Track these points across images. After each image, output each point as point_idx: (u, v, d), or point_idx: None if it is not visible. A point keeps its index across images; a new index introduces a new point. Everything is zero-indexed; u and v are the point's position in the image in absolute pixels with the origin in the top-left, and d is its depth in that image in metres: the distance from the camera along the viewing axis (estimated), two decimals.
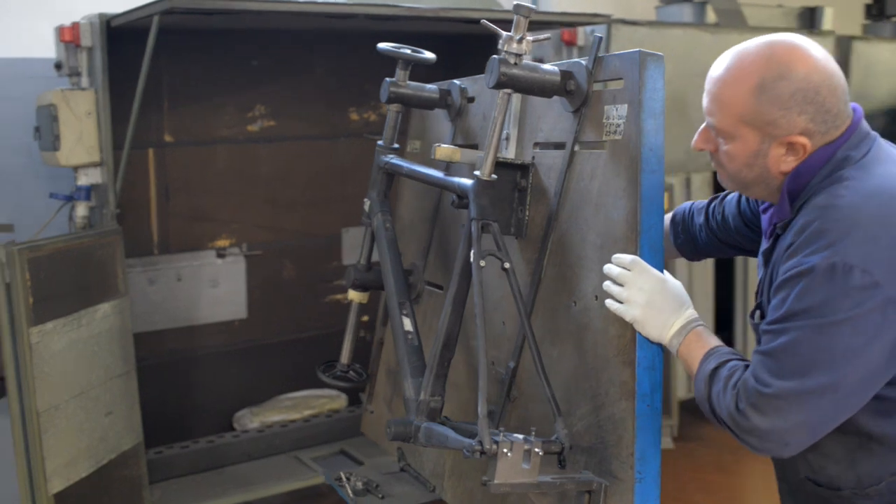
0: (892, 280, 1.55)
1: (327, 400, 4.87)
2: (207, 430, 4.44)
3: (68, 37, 3.74)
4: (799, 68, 1.68)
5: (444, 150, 2.25)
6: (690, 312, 1.83)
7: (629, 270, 1.83)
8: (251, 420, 4.67)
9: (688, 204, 2.31)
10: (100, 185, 3.88)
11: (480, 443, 1.80)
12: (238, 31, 4.31)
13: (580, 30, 4.95)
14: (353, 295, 2.77)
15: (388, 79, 2.61)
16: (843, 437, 1.71)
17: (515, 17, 1.96)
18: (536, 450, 1.82)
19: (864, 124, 1.75)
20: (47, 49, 4.41)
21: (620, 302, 1.84)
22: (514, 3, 1.98)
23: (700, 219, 2.24)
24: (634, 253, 1.85)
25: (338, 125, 4.80)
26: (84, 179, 3.87)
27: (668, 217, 2.32)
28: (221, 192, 4.51)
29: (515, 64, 1.95)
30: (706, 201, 2.22)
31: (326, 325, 4.80)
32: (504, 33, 1.96)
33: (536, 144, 2.24)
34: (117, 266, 3.72)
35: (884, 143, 1.77)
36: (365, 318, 4.00)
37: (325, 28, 4.27)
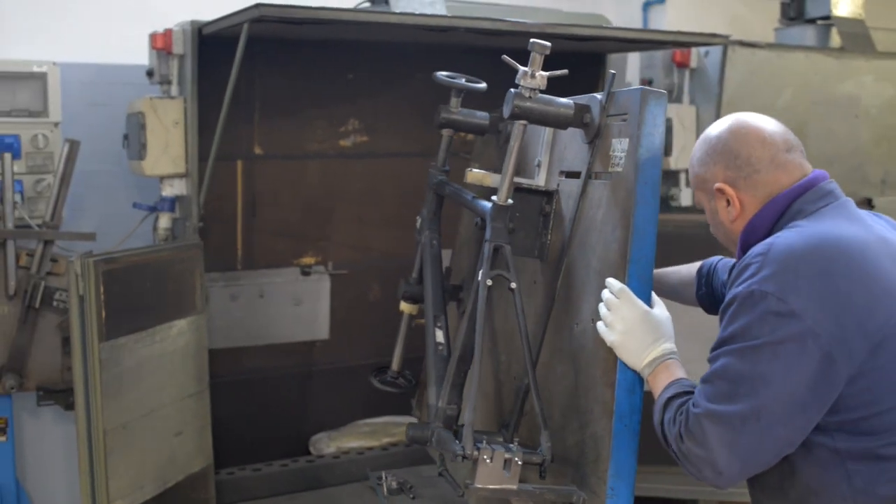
0: (810, 313, 1.63)
1: (406, 427, 4.67)
2: (282, 453, 4.29)
3: (160, 44, 3.65)
4: (712, 132, 1.96)
5: (475, 174, 2.38)
6: (667, 346, 1.93)
7: (617, 298, 1.95)
8: (328, 445, 4.51)
9: (716, 258, 2.39)
10: (184, 196, 3.78)
11: (463, 448, 1.97)
12: (334, 43, 4.16)
13: (694, 51, 4.64)
14: (404, 306, 2.98)
15: (441, 105, 2.77)
16: (787, 488, 1.77)
17: (531, 54, 2.07)
18: (517, 459, 1.96)
19: (829, 187, 1.87)
20: (141, 56, 4.38)
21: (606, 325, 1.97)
22: (531, 40, 2.08)
23: (724, 276, 2.28)
24: (623, 281, 1.96)
25: (432, 142, 4.58)
26: (168, 190, 3.77)
27: (694, 266, 2.44)
28: (309, 208, 4.37)
29: (530, 97, 2.10)
30: (734, 260, 2.11)
31: (410, 350, 4.59)
32: (521, 68, 2.08)
33: (562, 173, 2.35)
34: (196, 281, 3.60)
35: (852, 207, 1.87)
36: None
37: (423, 41, 4.08)
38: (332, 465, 4.26)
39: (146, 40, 3.85)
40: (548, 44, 2.07)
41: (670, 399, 1.83)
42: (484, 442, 1.98)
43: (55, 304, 3.69)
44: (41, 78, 3.97)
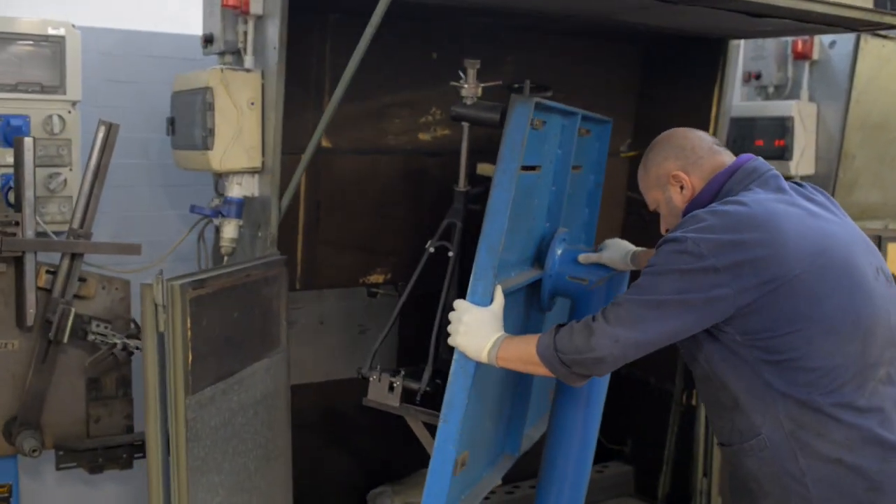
0: (715, 255, 1.99)
1: None
2: None
3: (234, 1, 2.81)
4: (655, 141, 2.39)
5: (483, 167, 2.94)
6: (502, 333, 2.37)
7: (455, 309, 2.42)
8: (391, 499, 3.74)
9: None
10: (255, 198, 2.94)
11: (362, 370, 2.80)
12: (418, 13, 3.38)
13: (816, 41, 4.02)
14: None
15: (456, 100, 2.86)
16: (721, 400, 2.16)
17: (467, 69, 2.76)
18: (397, 384, 2.73)
19: (752, 165, 2.21)
20: (172, 23, 3.54)
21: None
22: (465, 59, 2.73)
23: None
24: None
25: None
26: (236, 190, 2.92)
27: None
28: (379, 214, 3.56)
29: (465, 104, 2.79)
30: None
31: None
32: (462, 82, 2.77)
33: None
34: (280, 309, 2.78)
35: (774, 181, 2.19)
36: None
37: (511, 12, 3.34)
38: None
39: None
40: (477, 60, 2.76)
41: (558, 328, 2.22)
42: (378, 368, 2.75)
43: (92, 338, 2.80)
44: (58, 44, 3.07)
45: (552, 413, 3.06)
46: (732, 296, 1.99)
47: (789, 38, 4.13)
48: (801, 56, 4.02)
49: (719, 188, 2.20)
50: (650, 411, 4.25)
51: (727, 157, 2.27)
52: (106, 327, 2.81)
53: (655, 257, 2.09)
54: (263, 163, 2.88)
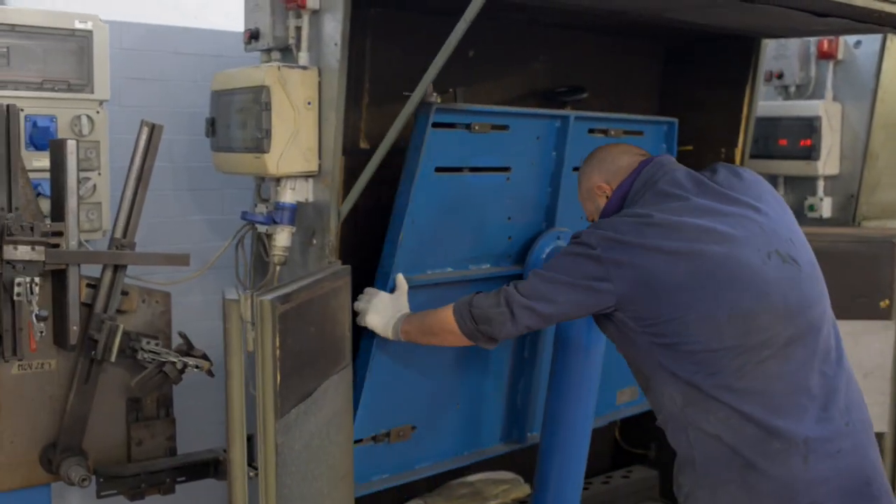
0: (601, 248, 2.30)
1: (508, 486, 3.83)
2: None
3: None
4: (588, 158, 2.73)
5: None
6: (403, 312, 2.77)
7: (364, 295, 2.82)
8: None
9: None
10: (308, 204, 2.76)
11: None
12: (457, 8, 3.25)
13: (841, 41, 4.00)
14: None
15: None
16: (639, 381, 2.47)
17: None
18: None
19: (647, 174, 2.49)
20: (199, 18, 3.34)
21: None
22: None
23: None
24: None
25: None
26: (290, 195, 2.74)
27: None
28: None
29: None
30: None
31: None
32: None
33: None
34: (346, 322, 2.61)
35: (677, 180, 2.44)
36: None
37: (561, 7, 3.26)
38: None
39: None
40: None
41: (473, 297, 2.56)
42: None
43: (143, 356, 2.60)
44: (84, 38, 2.86)
45: (551, 370, 3.31)
46: (612, 287, 2.28)
47: (813, 38, 4.11)
48: (826, 55, 4.00)
49: (626, 191, 2.50)
50: None
51: (630, 160, 2.56)
52: (157, 344, 2.61)
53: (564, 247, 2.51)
54: (320, 166, 2.71)
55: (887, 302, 3.81)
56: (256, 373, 2.09)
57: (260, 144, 2.61)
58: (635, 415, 3.99)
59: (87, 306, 2.61)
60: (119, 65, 3.10)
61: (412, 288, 2.89)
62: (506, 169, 3.24)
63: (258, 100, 2.60)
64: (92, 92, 2.88)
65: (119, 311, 2.68)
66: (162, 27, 3.28)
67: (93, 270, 2.66)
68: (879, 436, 3.91)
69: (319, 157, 2.70)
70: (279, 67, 2.60)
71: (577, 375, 3.27)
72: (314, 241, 2.75)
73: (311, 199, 2.76)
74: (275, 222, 2.74)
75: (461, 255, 3.19)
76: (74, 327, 2.54)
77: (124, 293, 2.68)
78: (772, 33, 3.67)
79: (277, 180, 2.75)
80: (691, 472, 2.28)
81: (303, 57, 2.69)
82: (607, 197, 2.55)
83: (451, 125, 3.01)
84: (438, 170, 2.98)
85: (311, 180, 2.75)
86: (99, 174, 2.90)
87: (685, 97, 3.97)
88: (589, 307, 2.36)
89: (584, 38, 3.77)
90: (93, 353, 2.58)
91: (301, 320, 2.28)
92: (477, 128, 3.07)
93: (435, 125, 2.89)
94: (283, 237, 2.75)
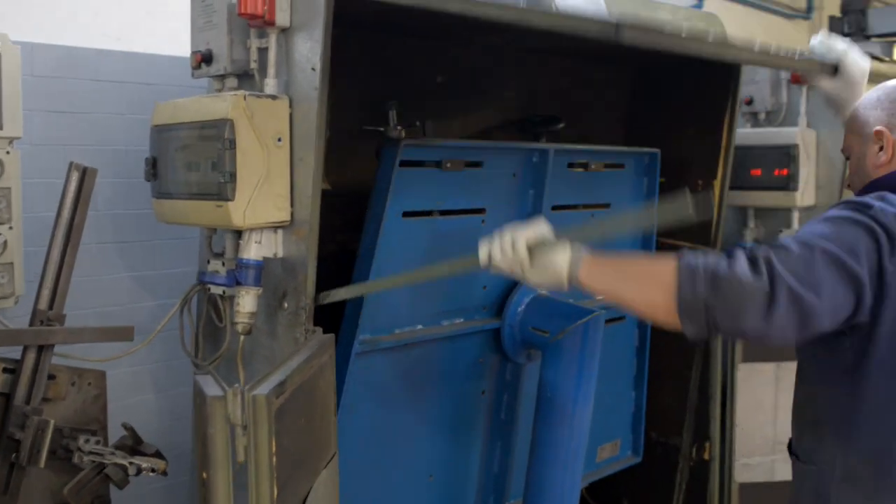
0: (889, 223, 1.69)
1: None
2: None
3: (250, 8, 2.17)
4: (891, 83, 1.98)
5: None
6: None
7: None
8: None
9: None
10: (275, 260, 2.30)
11: None
12: (432, 32, 2.87)
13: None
14: None
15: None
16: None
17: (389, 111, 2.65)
18: None
19: None
20: (117, 39, 2.86)
21: None
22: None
23: None
24: None
25: None
26: (255, 251, 2.27)
27: None
28: None
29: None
30: None
31: None
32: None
33: None
34: (331, 404, 2.16)
35: None
36: None
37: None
38: None
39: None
40: (394, 101, 2.60)
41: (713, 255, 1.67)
42: None
43: (78, 458, 2.07)
44: None
45: (534, 436, 2.88)
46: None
47: None
48: (799, 81, 3.78)
49: None
50: (651, 469, 3.86)
51: None
52: (97, 442, 2.09)
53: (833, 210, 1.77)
54: (293, 214, 2.26)
55: None
56: (249, 489, 1.63)
57: (222, 190, 2.14)
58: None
59: (4, 396, 2.08)
60: (29, 95, 2.57)
61: (375, 352, 2.52)
62: (480, 210, 2.89)
63: (219, 136, 2.13)
64: (0, 128, 2.35)
65: (45, 399, 2.15)
66: (80, 50, 2.76)
67: (7, 350, 2.14)
68: None
69: (291, 205, 2.25)
70: (245, 97, 2.14)
71: (563, 442, 2.88)
72: (285, 305, 2.29)
73: (280, 253, 2.29)
74: (238, 283, 2.26)
75: (432, 309, 2.81)
76: None
77: (51, 377, 2.16)
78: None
79: (239, 232, 2.28)
80: None
81: (270, 84, 2.24)
82: (881, 148, 1.94)
83: (419, 163, 2.64)
84: (406, 214, 2.60)
85: (279, 232, 2.29)
86: (10, 228, 2.36)
87: (660, 125, 3.69)
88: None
89: (554, 64, 3.45)
90: (14, 455, 2.05)
91: (293, 413, 1.82)
92: (449, 165, 2.70)
93: (402, 163, 2.52)
94: (248, 301, 2.27)
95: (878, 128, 1.93)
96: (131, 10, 2.90)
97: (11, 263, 2.37)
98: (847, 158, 2.07)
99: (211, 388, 1.68)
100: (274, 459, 1.66)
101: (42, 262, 2.53)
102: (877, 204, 1.72)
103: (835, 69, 2.46)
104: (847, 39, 2.62)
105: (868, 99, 2.02)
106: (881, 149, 1.93)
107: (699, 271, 1.61)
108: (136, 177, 2.84)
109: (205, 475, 1.71)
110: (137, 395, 2.86)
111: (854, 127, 2.02)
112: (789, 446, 2.01)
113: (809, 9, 6.16)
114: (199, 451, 1.71)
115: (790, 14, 5.99)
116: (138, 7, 2.92)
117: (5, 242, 2.34)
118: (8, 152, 2.37)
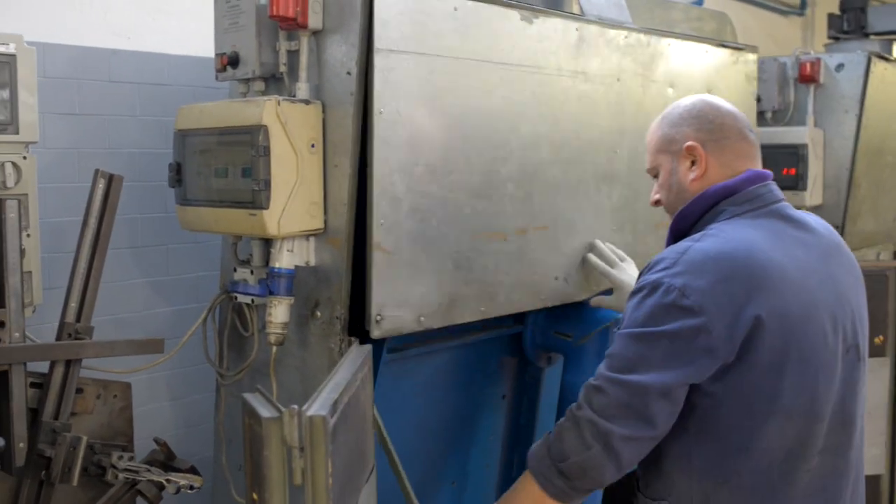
0: (707, 309, 1.71)
1: None
2: None
3: (282, 9, 2.10)
4: (684, 102, 2.00)
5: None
6: None
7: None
8: None
9: None
10: (307, 268, 2.25)
11: None
12: None
13: (822, 63, 3.79)
14: None
15: None
16: None
17: None
18: None
19: (757, 192, 1.86)
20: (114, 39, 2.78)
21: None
22: None
23: None
24: None
25: None
26: (287, 259, 2.21)
27: None
28: None
29: None
30: None
31: None
32: None
33: None
34: (369, 417, 2.11)
35: (779, 213, 1.87)
36: None
37: None
38: None
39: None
40: None
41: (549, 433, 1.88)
42: None
43: (112, 475, 2.01)
44: (6, 65, 2.25)
45: None
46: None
47: (789, 60, 3.89)
48: (807, 79, 3.78)
49: (711, 205, 1.89)
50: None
51: (744, 158, 1.92)
52: (131, 458, 2.03)
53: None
54: (326, 222, 2.20)
55: (882, 338, 3.60)
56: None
57: (256, 198, 2.08)
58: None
59: (32, 411, 2.01)
60: (43, 97, 2.49)
61: (401, 360, 2.48)
62: None
63: (253, 143, 2.07)
64: (16, 132, 2.28)
65: (71, 413, 2.09)
66: (93, 50, 2.68)
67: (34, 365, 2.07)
68: (875, 478, 3.71)
69: (325, 212, 2.19)
70: (279, 102, 2.08)
71: None
72: (318, 314, 2.23)
73: (312, 262, 2.24)
74: (271, 293, 2.21)
75: None
76: (21, 444, 1.93)
77: (78, 390, 2.09)
78: None
79: (268, 240, 2.22)
80: None
81: (302, 89, 2.18)
82: (693, 162, 1.94)
83: None
84: None
85: (311, 240, 2.23)
86: (28, 235, 2.28)
87: None
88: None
89: None
90: (43, 473, 1.98)
91: (343, 431, 1.77)
92: None
93: None
94: (281, 311, 2.21)
95: (689, 143, 1.92)
96: (141, 7, 2.81)
97: (29, 272, 2.29)
98: (655, 177, 2.04)
99: (264, 408, 1.63)
100: (330, 481, 1.61)
101: (56, 268, 2.46)
102: (669, 282, 1.74)
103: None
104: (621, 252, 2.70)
105: (669, 118, 2.00)
106: (693, 163, 1.93)
107: (548, 472, 1.83)
108: (150, 180, 2.79)
109: (255, 496, 1.66)
110: (152, 403, 2.80)
111: (661, 146, 1.99)
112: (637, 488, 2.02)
113: (803, 5, 6.19)
114: (251, 472, 1.66)
115: (785, 10, 6.01)
116: (148, 3, 2.84)
117: (23, 252, 2.26)
118: (24, 157, 2.29)
